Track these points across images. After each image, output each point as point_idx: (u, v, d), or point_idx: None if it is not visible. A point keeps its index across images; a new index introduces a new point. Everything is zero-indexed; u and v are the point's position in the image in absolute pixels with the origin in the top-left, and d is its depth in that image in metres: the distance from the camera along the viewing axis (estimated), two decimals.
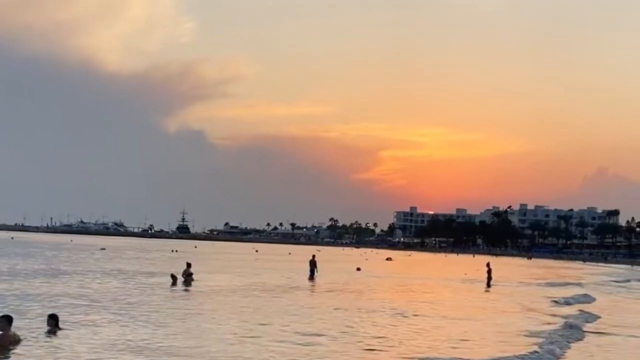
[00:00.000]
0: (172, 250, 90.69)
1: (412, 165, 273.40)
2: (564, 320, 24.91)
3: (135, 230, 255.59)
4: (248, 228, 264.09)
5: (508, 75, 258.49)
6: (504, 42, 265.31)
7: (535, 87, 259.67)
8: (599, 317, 27.20)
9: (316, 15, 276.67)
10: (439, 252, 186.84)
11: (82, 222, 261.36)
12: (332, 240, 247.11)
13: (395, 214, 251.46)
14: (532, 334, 20.74)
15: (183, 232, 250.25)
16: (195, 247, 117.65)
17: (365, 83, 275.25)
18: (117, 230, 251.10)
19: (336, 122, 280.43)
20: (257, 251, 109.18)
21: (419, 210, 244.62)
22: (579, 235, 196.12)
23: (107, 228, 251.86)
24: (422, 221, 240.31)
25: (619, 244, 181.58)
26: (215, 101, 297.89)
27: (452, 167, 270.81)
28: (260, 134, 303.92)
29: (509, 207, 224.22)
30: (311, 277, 44.98)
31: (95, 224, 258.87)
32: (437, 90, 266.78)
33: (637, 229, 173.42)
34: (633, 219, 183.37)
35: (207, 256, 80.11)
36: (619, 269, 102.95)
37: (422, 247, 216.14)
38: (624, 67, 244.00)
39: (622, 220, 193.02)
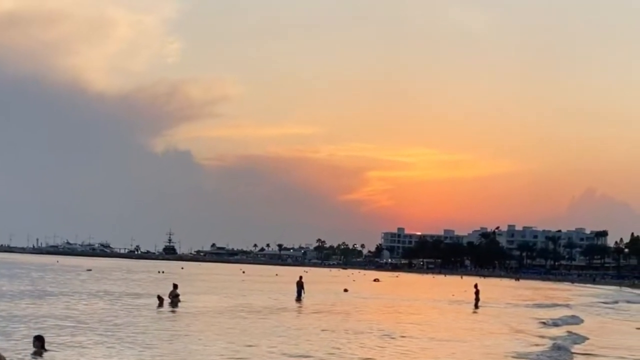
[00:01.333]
0: (159, 272, 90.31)
1: (400, 186, 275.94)
2: (552, 341, 24.88)
3: (122, 251, 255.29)
4: (235, 249, 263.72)
5: (496, 95, 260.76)
6: (492, 63, 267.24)
7: (524, 108, 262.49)
8: (587, 339, 27.18)
9: (303, 35, 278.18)
10: (427, 273, 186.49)
11: (68, 243, 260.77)
12: (320, 261, 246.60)
13: (383, 234, 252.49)
14: (520, 356, 20.71)
15: (169, 253, 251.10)
16: (182, 268, 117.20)
17: (352, 103, 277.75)
18: (104, 251, 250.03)
19: (323, 143, 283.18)
20: (244, 272, 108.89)
21: (406, 231, 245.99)
22: (567, 257, 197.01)
23: (94, 249, 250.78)
24: (410, 242, 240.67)
25: (607, 265, 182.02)
26: (202, 121, 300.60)
27: (440, 187, 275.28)
28: (247, 154, 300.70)
29: (497, 228, 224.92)
30: (298, 299, 44.85)
31: (81, 245, 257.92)
32: (425, 111, 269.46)
33: (626, 250, 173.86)
34: (621, 239, 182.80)
35: (194, 277, 79.82)
36: (608, 290, 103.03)
37: (409, 268, 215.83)
38: (613, 88, 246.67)
39: (611, 241, 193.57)
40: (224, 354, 18.69)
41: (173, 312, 31.94)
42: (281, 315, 33.46)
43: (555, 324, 33.96)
